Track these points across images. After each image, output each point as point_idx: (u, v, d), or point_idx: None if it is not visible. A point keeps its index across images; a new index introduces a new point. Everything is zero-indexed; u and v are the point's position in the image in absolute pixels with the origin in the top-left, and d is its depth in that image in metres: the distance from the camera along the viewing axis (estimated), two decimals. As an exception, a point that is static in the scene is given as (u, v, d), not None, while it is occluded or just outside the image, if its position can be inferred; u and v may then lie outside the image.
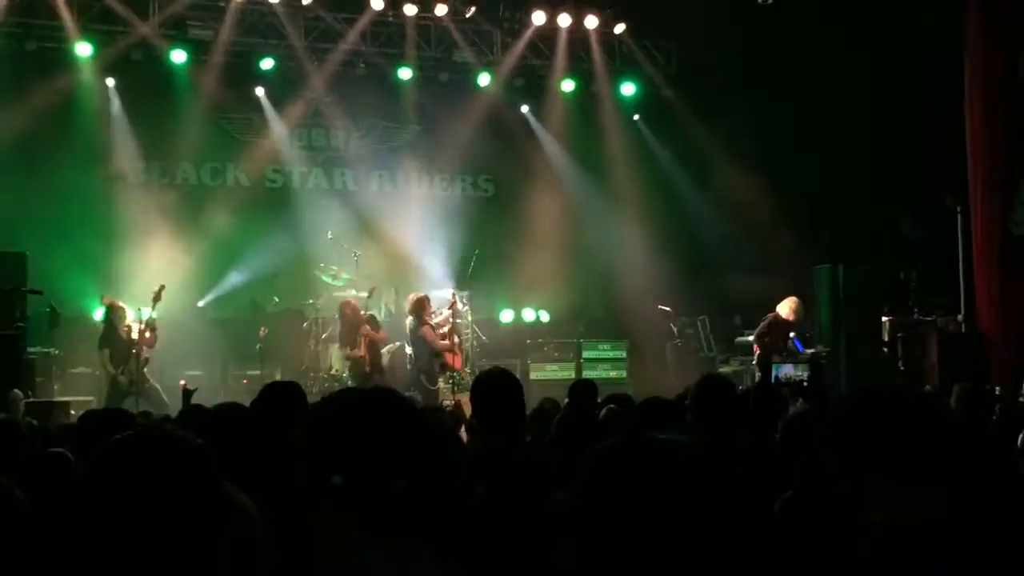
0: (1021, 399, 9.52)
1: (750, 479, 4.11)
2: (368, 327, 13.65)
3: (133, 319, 12.99)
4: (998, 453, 4.89)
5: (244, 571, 2.49)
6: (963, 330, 14.08)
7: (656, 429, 4.44)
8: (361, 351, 13.44)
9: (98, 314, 13.73)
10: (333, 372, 14.10)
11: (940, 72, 14.19)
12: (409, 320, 13.71)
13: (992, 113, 13.71)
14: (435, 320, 14.12)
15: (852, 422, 2.32)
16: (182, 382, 12.51)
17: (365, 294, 14.24)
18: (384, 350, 14.33)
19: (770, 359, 13.14)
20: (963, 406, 6.01)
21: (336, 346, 14.08)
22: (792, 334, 13.84)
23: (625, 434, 2.04)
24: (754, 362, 13.54)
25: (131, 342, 12.76)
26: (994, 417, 5.97)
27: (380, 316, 15.04)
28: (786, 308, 13.48)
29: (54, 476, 4.26)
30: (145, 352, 12.79)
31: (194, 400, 8.82)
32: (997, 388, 10.13)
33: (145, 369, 12.77)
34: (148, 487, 2.03)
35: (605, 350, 16.08)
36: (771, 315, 13.52)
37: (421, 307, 13.62)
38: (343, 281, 14.82)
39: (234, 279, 15.52)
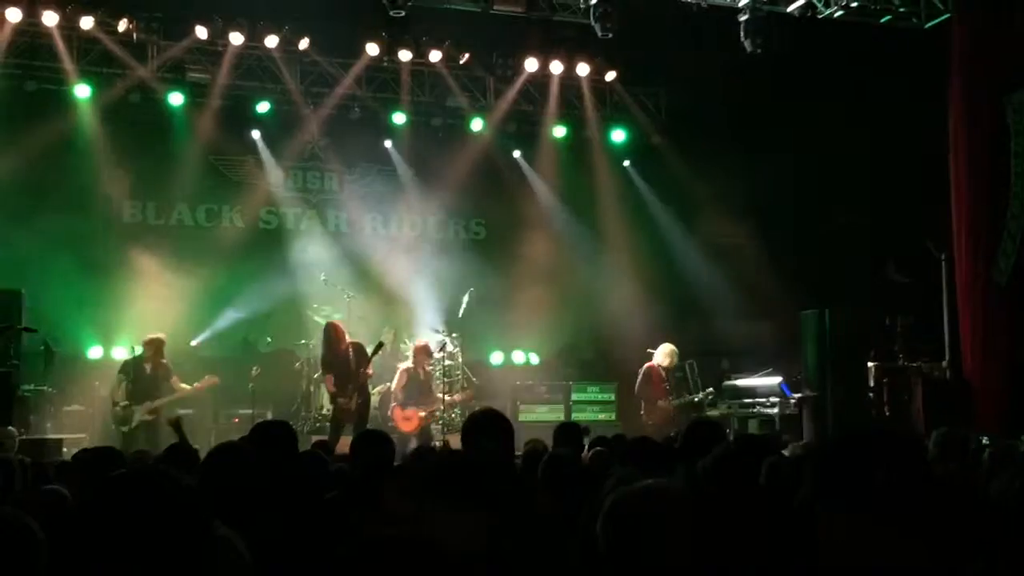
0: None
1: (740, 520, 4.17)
2: (363, 369, 12.74)
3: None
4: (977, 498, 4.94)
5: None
6: (948, 376, 14.21)
7: (642, 472, 4.55)
8: (351, 404, 12.57)
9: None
10: (324, 412, 14.09)
11: (926, 121, 14.42)
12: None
13: (976, 163, 13.91)
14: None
15: (836, 463, 2.35)
16: (236, 420, 12.61)
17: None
18: (375, 391, 14.34)
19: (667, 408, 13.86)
20: (940, 451, 6.14)
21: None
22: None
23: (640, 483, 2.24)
24: (649, 422, 13.80)
25: (155, 380, 12.86)
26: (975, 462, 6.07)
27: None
28: (657, 356, 14.19)
29: (50, 513, 4.32)
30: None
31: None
32: (984, 438, 10.14)
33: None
34: (139, 525, 2.14)
35: (595, 392, 16.14)
36: (648, 365, 14.15)
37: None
38: (335, 322, 14.84)
39: (228, 318, 15.57)
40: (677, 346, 14.52)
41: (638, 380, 14.22)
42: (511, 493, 2.20)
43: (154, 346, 12.96)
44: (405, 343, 15.16)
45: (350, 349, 12.82)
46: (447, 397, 14.26)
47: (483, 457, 2.35)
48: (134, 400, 12.65)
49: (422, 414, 13.58)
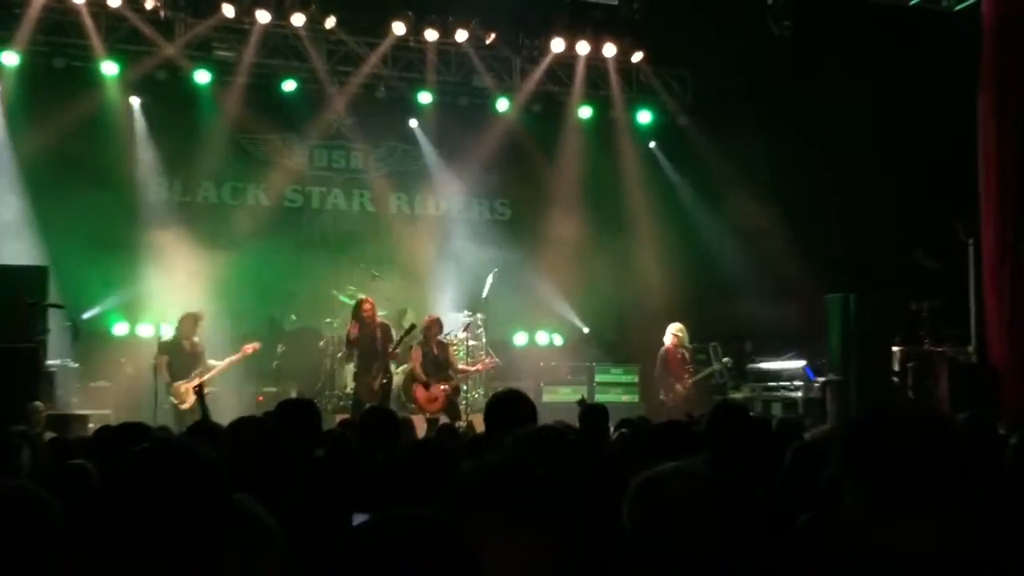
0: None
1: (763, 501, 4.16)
2: (390, 349, 12.98)
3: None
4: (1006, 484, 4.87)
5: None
6: (974, 361, 14.11)
7: (669, 454, 4.55)
8: (376, 384, 12.88)
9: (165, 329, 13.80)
10: (348, 391, 14.13)
11: (954, 104, 14.29)
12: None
13: (1005, 147, 13.77)
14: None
15: (862, 444, 2.32)
16: (260, 398, 12.67)
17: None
18: (399, 370, 14.33)
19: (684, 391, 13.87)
20: (964, 436, 6.07)
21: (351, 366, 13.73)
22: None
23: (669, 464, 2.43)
24: (669, 404, 13.74)
25: (194, 356, 12.90)
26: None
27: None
28: (668, 338, 14.07)
29: (73, 488, 4.33)
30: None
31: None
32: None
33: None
34: (160, 499, 2.14)
35: (618, 374, 16.14)
36: (662, 350, 14.10)
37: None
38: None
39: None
40: (701, 328, 14.49)
41: (656, 367, 14.16)
42: (576, 513, 2.18)
43: (188, 322, 13.02)
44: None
45: (378, 330, 12.88)
46: (470, 368, 14.29)
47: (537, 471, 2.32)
48: (177, 377, 12.72)
49: (445, 388, 13.43)
